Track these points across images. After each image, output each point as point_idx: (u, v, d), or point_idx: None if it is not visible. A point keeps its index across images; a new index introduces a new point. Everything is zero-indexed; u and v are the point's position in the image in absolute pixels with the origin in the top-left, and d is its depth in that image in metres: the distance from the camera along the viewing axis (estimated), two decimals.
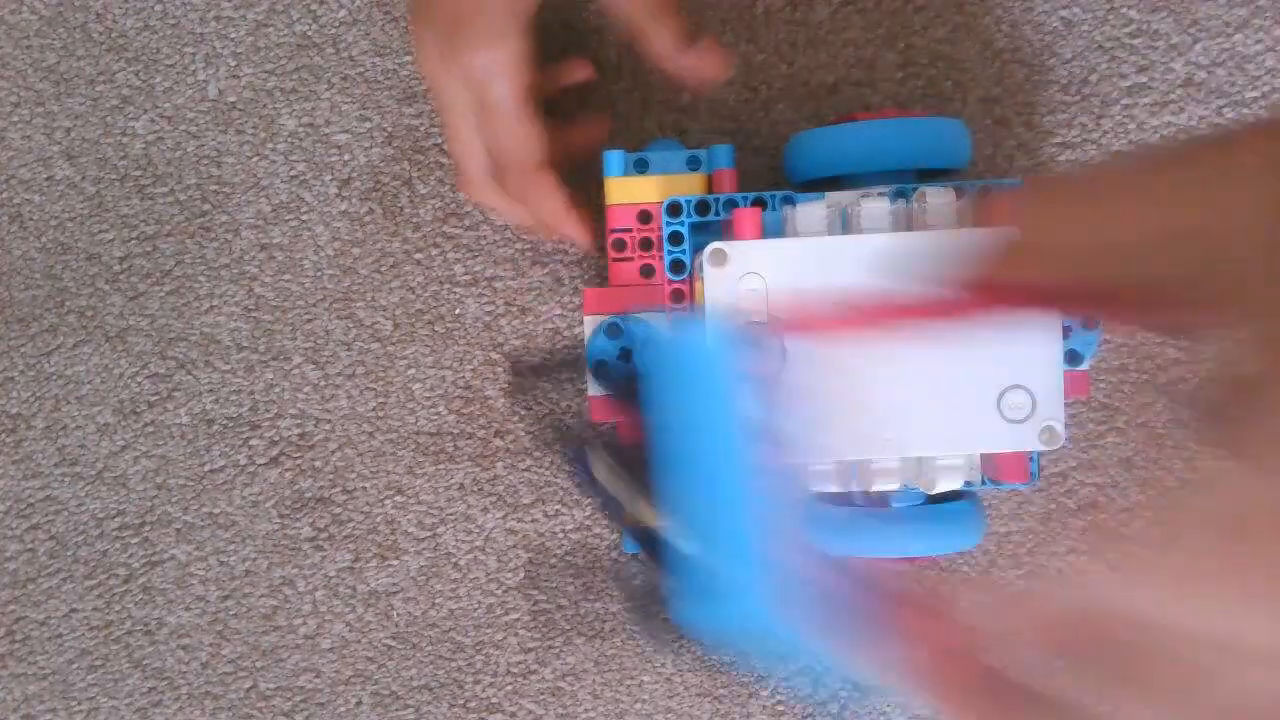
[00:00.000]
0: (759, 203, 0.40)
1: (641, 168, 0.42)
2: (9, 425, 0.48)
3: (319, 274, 0.48)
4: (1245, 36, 0.50)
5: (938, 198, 0.38)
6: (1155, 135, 0.50)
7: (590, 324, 0.41)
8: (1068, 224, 0.18)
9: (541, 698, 0.48)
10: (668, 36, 0.40)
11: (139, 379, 0.48)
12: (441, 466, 0.48)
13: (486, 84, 0.38)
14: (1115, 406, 0.50)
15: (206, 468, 0.48)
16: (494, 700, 0.48)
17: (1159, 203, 0.17)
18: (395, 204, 0.48)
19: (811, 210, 0.39)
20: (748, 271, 0.36)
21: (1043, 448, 0.36)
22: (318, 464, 0.48)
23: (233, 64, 0.48)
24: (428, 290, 0.48)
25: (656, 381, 0.32)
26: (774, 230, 0.40)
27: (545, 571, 0.48)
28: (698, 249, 0.39)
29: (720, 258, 0.36)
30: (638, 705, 0.48)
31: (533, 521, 0.48)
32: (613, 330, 0.41)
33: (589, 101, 0.47)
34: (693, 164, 0.42)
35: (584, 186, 0.44)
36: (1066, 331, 0.40)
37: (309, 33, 0.48)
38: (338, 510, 0.48)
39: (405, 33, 0.48)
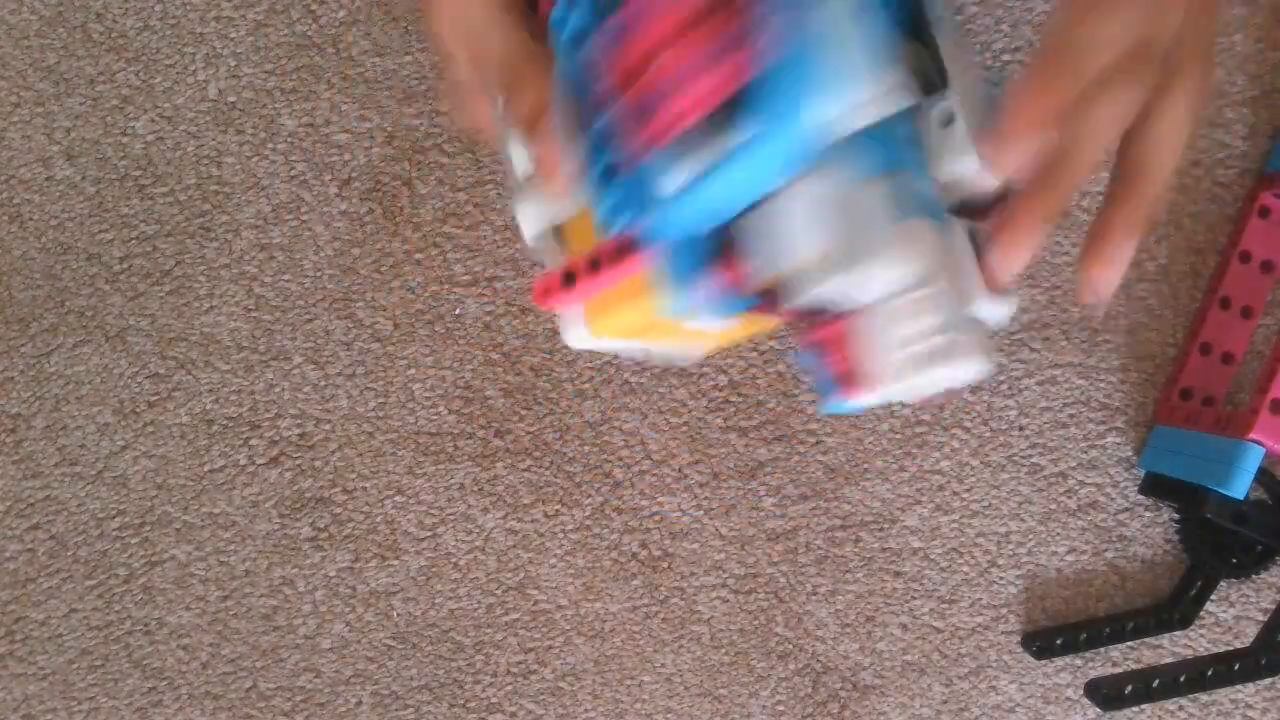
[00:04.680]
0: None
1: None
2: (9, 425, 0.48)
3: (319, 274, 0.48)
4: (1245, 36, 0.50)
5: None
6: None
7: None
8: None
9: (541, 698, 0.48)
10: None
11: (139, 379, 0.48)
12: (441, 466, 0.48)
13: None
14: (1115, 406, 0.50)
15: (206, 468, 0.48)
16: (494, 700, 0.48)
17: None
18: (395, 204, 0.48)
19: None
20: None
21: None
22: (318, 464, 0.48)
23: (233, 64, 0.48)
24: (428, 290, 0.48)
25: None
26: None
27: (545, 571, 0.48)
28: None
29: None
30: (638, 705, 0.48)
31: (533, 521, 0.48)
32: None
33: None
34: None
35: None
36: None
37: (309, 33, 0.48)
38: (338, 510, 0.48)
39: (405, 33, 0.48)
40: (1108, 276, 0.29)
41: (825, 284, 0.26)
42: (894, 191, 0.26)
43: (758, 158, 0.24)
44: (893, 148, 0.28)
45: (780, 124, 0.24)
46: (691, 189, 0.25)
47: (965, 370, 0.27)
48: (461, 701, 0.48)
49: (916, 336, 0.27)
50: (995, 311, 0.29)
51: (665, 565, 0.48)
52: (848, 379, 0.28)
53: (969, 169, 0.28)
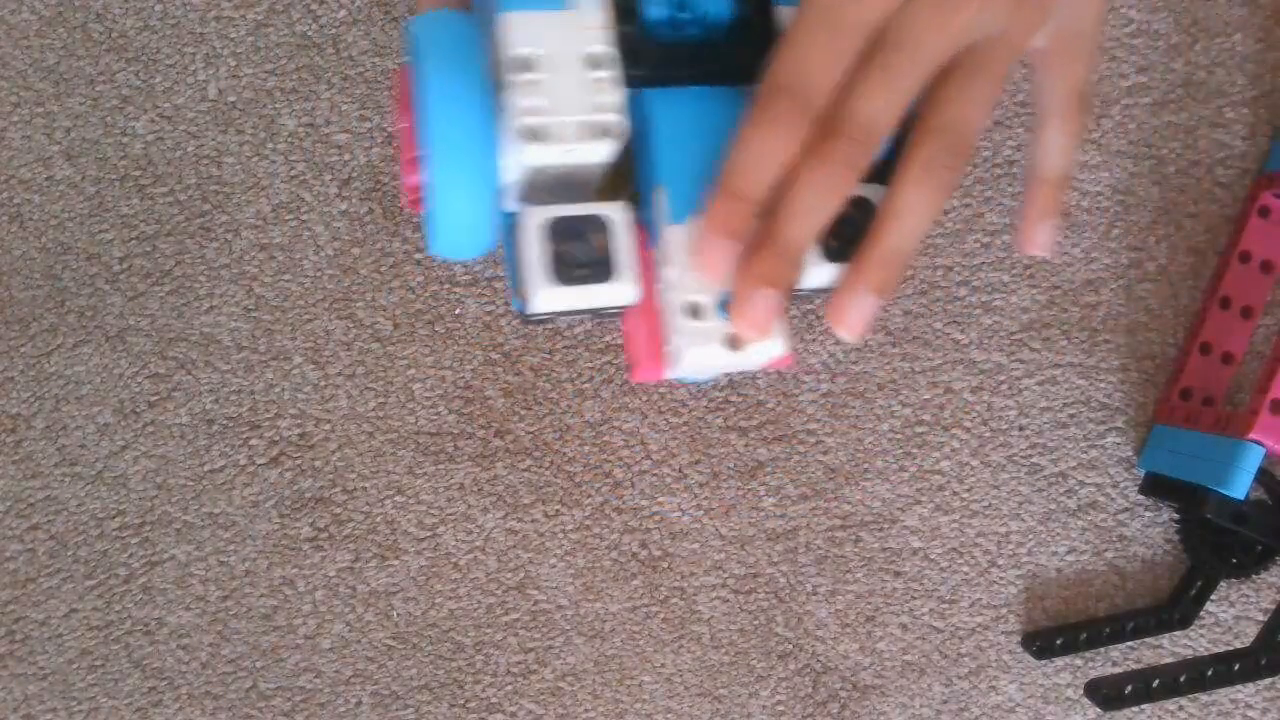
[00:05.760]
0: None
1: None
2: (9, 425, 0.48)
3: (319, 274, 0.48)
4: (1245, 36, 0.50)
5: None
6: (1155, 135, 0.50)
7: None
8: None
9: (541, 698, 0.48)
10: (1063, 144, 0.33)
11: (139, 379, 0.48)
12: (441, 466, 0.48)
13: None
14: (1115, 406, 0.50)
15: (206, 468, 0.48)
16: (494, 700, 0.48)
17: None
18: (395, 204, 0.48)
19: None
20: None
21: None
22: (318, 464, 0.48)
23: (233, 64, 0.48)
24: (428, 290, 0.48)
25: None
26: None
27: (545, 571, 0.48)
28: None
29: None
30: (638, 705, 0.48)
31: (533, 521, 0.48)
32: None
33: None
34: None
35: None
36: None
37: (309, 33, 0.48)
38: (338, 510, 0.48)
39: (405, 33, 0.48)
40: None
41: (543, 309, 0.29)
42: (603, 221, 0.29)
43: (440, 234, 0.29)
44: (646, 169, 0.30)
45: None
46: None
47: (725, 360, 0.29)
48: (461, 701, 0.48)
49: (667, 335, 0.29)
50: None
51: (665, 565, 0.48)
52: (631, 364, 0.31)
53: None
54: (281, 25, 0.48)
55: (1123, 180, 0.50)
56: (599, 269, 0.28)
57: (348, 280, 0.48)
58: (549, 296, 0.28)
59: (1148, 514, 0.50)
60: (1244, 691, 0.49)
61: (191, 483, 0.48)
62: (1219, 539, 0.48)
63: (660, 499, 0.48)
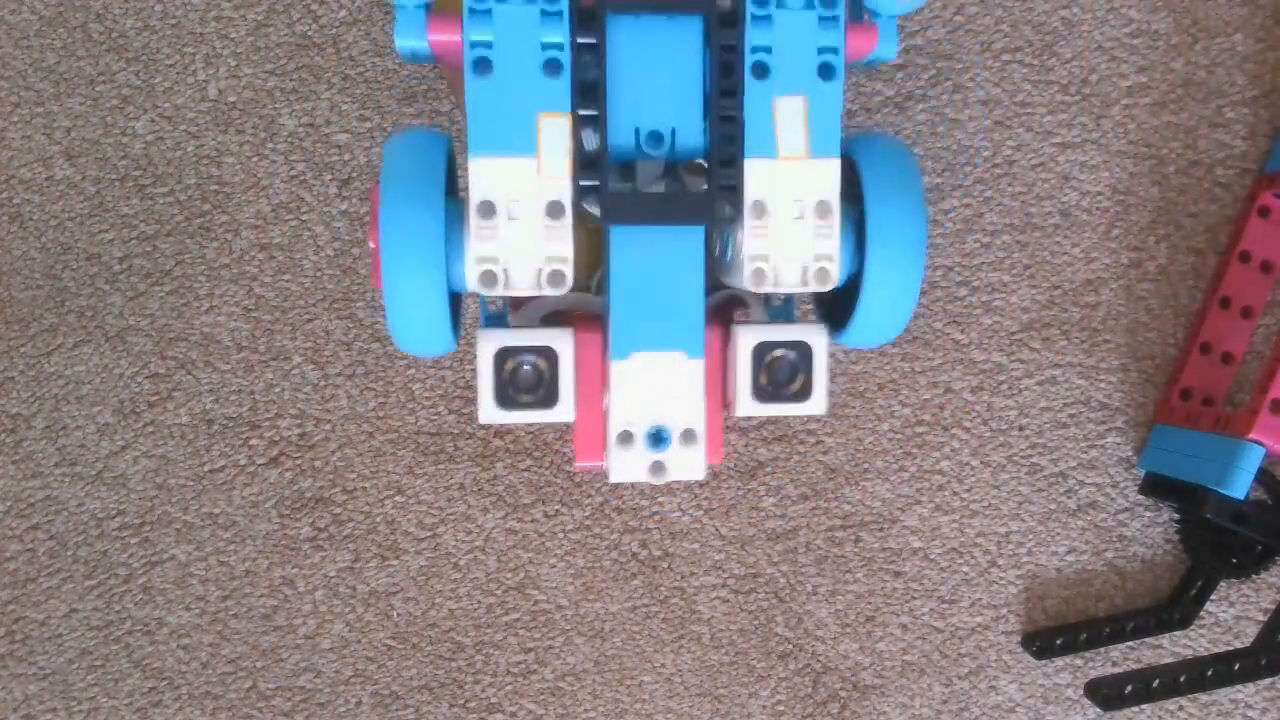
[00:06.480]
0: None
1: None
2: (9, 425, 0.48)
3: (319, 274, 0.48)
4: (1245, 36, 0.50)
5: None
6: (1155, 135, 0.50)
7: None
8: None
9: (541, 698, 0.48)
10: None
11: (139, 379, 0.48)
12: (441, 466, 0.48)
13: None
14: (1115, 406, 0.50)
15: (206, 468, 0.48)
16: (494, 700, 0.48)
17: None
18: None
19: None
20: None
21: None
22: (318, 464, 0.48)
23: (233, 64, 0.48)
24: None
25: None
26: None
27: (545, 571, 0.48)
28: None
29: None
30: (638, 705, 0.48)
31: (533, 521, 0.48)
32: None
33: None
34: None
35: None
36: None
37: (309, 33, 0.48)
38: (338, 510, 0.48)
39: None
40: None
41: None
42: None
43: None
44: None
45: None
46: None
47: (650, 481, 0.32)
48: (461, 701, 0.48)
49: (605, 450, 0.32)
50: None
51: (665, 565, 0.48)
52: (576, 451, 0.33)
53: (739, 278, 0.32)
54: (281, 25, 0.48)
55: (1123, 180, 0.50)
56: (542, 396, 0.31)
57: (348, 280, 0.48)
58: (495, 415, 0.31)
59: (1148, 514, 0.50)
60: (1244, 691, 0.49)
61: (191, 483, 0.48)
62: (1219, 539, 0.48)
63: (660, 499, 0.48)
